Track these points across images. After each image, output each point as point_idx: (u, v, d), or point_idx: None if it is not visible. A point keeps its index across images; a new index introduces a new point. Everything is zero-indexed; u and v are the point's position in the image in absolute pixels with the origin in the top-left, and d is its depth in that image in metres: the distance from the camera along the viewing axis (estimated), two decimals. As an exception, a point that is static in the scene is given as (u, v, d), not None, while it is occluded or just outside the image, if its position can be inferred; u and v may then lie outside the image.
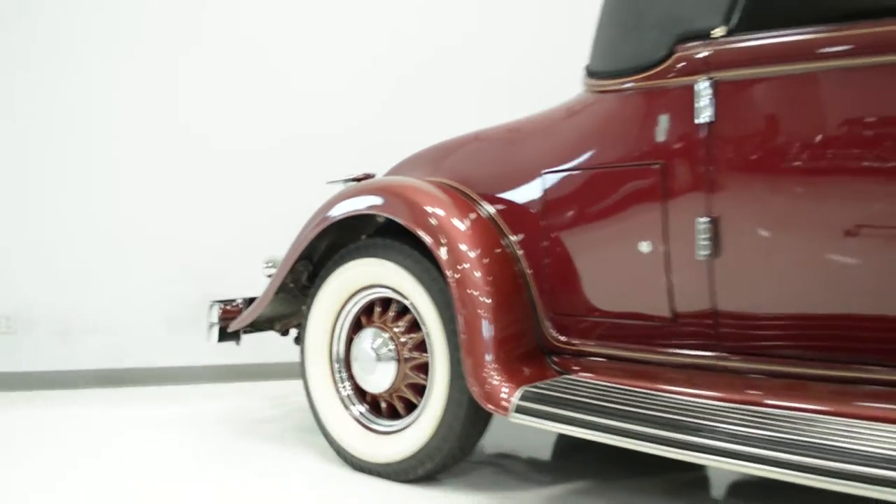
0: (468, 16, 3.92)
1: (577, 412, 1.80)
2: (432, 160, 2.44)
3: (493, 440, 2.61)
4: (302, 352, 2.44)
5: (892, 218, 1.56)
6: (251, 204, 3.75)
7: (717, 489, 2.20)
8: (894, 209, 1.55)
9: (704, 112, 1.73)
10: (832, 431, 1.54)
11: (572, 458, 2.50)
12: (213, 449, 2.60)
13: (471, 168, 2.31)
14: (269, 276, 2.65)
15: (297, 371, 2.46)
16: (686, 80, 1.77)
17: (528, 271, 2.11)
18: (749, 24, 1.72)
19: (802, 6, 1.67)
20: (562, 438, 2.63)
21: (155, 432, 2.81)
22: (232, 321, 2.72)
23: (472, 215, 2.16)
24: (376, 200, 2.26)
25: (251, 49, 3.88)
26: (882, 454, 1.40)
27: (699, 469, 2.27)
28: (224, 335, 2.75)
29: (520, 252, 2.13)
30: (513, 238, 2.14)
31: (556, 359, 2.11)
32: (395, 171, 2.58)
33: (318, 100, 3.85)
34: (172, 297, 3.69)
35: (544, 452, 2.56)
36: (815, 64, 1.62)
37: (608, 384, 1.95)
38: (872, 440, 1.46)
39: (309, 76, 3.89)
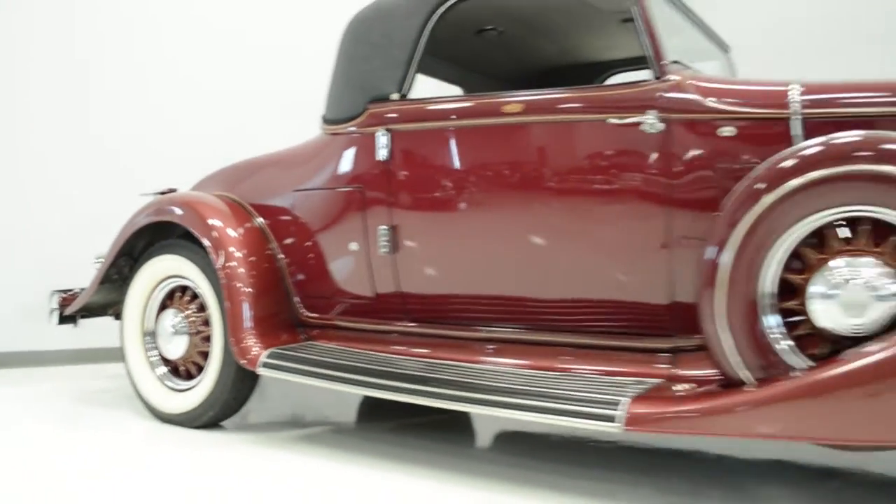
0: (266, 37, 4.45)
1: (308, 366, 2.51)
2: (225, 178, 3.10)
3: (279, 402, 3.31)
4: (121, 328, 3.07)
5: (505, 224, 2.34)
6: (98, 204, 4.12)
7: (452, 432, 2.91)
8: (508, 219, 2.34)
9: (382, 152, 2.49)
10: (479, 375, 2.28)
11: (339, 412, 3.22)
12: (58, 415, 3.15)
13: (250, 186, 2.99)
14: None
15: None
16: (372, 129, 2.53)
17: (287, 267, 2.82)
18: (414, 92, 2.49)
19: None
20: (339, 397, 3.34)
21: (9, 408, 3.31)
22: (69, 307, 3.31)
23: (247, 224, 2.85)
24: (175, 211, 2.91)
25: (100, 56, 4.35)
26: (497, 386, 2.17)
27: (433, 412, 3.00)
28: (63, 319, 3.34)
29: (280, 252, 2.83)
30: (275, 242, 2.84)
31: (309, 331, 2.82)
32: (198, 186, 3.22)
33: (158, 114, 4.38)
34: (26, 287, 4.05)
35: (324, 410, 3.26)
36: (448, 122, 2.40)
37: (337, 346, 2.69)
38: (503, 378, 2.21)
39: (160, 90, 4.40)
